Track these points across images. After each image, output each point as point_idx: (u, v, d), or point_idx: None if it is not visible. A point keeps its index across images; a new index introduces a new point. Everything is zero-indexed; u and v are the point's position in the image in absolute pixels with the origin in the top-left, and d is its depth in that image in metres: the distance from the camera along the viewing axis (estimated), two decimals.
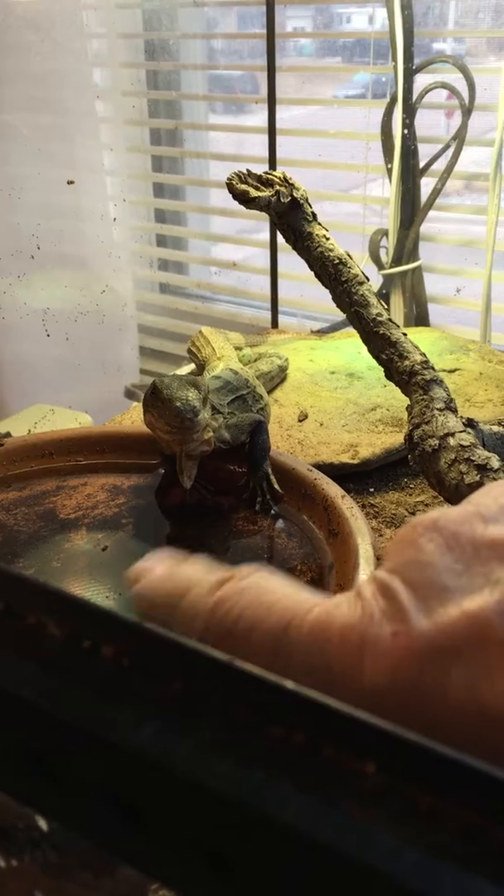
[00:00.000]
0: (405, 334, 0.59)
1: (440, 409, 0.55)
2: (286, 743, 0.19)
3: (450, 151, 1.02)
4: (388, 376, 0.60)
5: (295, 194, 0.63)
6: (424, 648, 0.20)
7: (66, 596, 0.21)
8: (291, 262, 1.10)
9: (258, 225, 1.39)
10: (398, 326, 0.60)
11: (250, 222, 1.41)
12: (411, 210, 1.06)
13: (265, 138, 1.09)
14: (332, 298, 0.63)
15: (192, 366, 0.90)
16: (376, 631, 0.21)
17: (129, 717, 0.19)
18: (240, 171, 0.62)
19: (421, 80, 1.03)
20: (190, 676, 0.20)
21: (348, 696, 0.20)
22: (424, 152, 1.05)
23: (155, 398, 0.55)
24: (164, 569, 0.26)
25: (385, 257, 1.10)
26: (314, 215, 0.64)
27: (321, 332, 1.10)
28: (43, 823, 0.25)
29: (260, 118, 1.24)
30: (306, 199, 0.64)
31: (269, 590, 0.24)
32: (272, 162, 1.09)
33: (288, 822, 0.17)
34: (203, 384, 0.57)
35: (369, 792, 0.18)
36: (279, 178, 0.63)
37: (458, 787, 0.17)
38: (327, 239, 0.63)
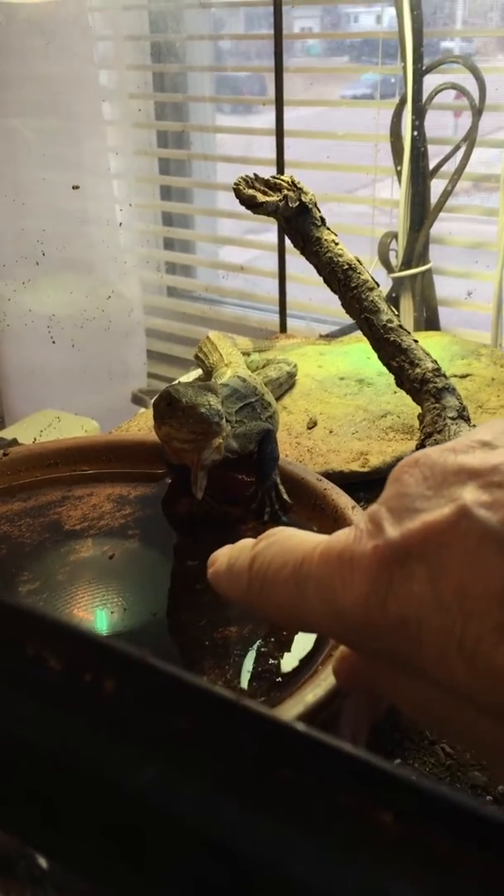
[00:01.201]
0: (416, 341, 0.58)
1: (452, 418, 0.53)
2: (297, 787, 0.18)
3: (459, 152, 1.01)
4: (399, 384, 0.59)
5: (303, 198, 0.62)
6: (393, 554, 0.24)
7: (67, 627, 0.20)
8: (299, 265, 1.09)
9: (264, 226, 1.38)
10: (409, 333, 0.59)
11: (256, 224, 1.40)
12: (421, 212, 1.05)
13: (272, 139, 1.09)
14: (342, 304, 0.62)
15: (199, 371, 0.89)
16: (361, 548, 0.25)
17: (131, 756, 0.18)
18: (247, 176, 0.61)
19: (429, 81, 1.01)
20: (195, 713, 0.19)
21: (346, 605, 0.25)
22: (433, 153, 1.04)
23: (173, 408, 0.53)
24: (226, 551, 0.32)
25: (394, 260, 1.09)
26: (323, 220, 0.63)
27: (330, 336, 1.09)
28: (43, 862, 0.24)
29: (266, 118, 1.24)
30: (314, 204, 0.63)
31: (290, 538, 0.29)
32: (280, 164, 1.08)
33: (300, 874, 0.16)
34: (218, 388, 0.56)
35: (387, 842, 0.17)
36: (287, 182, 0.62)
37: (479, 836, 0.16)
38: (336, 244, 0.62)
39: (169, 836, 0.18)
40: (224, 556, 0.33)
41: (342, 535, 0.26)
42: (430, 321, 1.10)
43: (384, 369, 0.61)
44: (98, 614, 0.50)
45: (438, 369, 0.56)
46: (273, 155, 1.09)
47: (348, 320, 1.07)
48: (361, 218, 1.20)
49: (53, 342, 1.03)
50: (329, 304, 1.22)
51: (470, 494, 0.24)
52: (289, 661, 0.44)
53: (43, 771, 0.19)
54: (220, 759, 0.18)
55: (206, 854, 0.17)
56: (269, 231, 1.38)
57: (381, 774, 0.17)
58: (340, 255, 0.62)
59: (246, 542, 0.32)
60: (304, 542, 0.28)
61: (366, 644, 0.26)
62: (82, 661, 0.20)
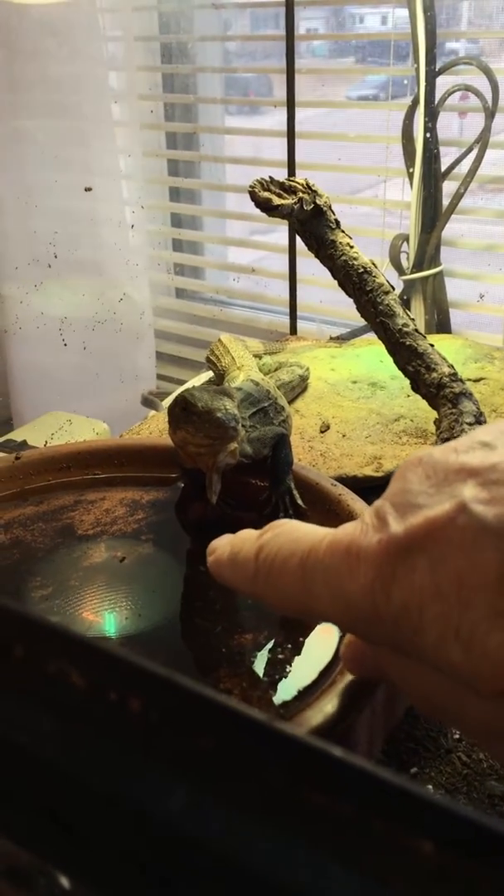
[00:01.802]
0: (432, 345, 0.58)
1: (470, 424, 0.53)
2: (331, 814, 0.17)
3: (472, 154, 1.00)
4: (415, 388, 0.58)
5: (318, 201, 0.61)
6: (397, 547, 0.26)
7: (91, 643, 0.20)
8: (310, 267, 1.09)
9: (269, 227, 1.37)
10: (425, 337, 0.58)
11: (262, 225, 1.40)
12: (433, 214, 1.04)
13: (279, 140, 1.08)
14: (357, 308, 0.62)
15: (210, 373, 0.88)
16: (367, 541, 0.27)
17: (156, 778, 0.18)
18: (262, 179, 0.60)
19: (438, 82, 1.01)
20: (224, 734, 0.18)
21: (353, 595, 0.27)
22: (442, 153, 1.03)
23: (188, 413, 0.53)
24: (227, 541, 0.35)
25: (405, 262, 1.09)
26: (337, 222, 0.63)
27: (340, 339, 1.09)
28: (65, 881, 0.23)
29: (271, 120, 1.23)
30: (329, 206, 0.63)
31: (296, 529, 0.31)
32: (291, 166, 1.07)
33: None
34: (233, 393, 0.56)
35: (427, 873, 0.16)
36: (302, 184, 0.61)
37: None
38: (351, 247, 0.62)
39: (197, 861, 0.17)
40: (225, 545, 0.35)
41: (349, 529, 0.28)
42: (441, 324, 1.09)
43: (397, 372, 0.60)
44: (112, 620, 0.50)
45: (455, 374, 0.56)
46: (280, 156, 1.09)
47: (359, 322, 1.07)
48: (367, 219, 1.20)
49: (65, 344, 1.02)
50: (339, 306, 1.22)
51: (469, 491, 0.25)
52: (306, 670, 0.43)
53: (65, 790, 0.19)
54: (250, 782, 0.18)
55: (236, 881, 0.17)
56: (274, 232, 1.37)
57: (419, 801, 0.17)
58: (355, 259, 0.61)
59: (248, 533, 0.33)
60: (310, 534, 0.29)
61: (371, 632, 0.28)
62: (107, 678, 0.19)
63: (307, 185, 0.62)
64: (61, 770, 0.19)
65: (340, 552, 0.27)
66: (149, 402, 1.04)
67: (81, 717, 0.19)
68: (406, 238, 1.08)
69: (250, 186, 0.60)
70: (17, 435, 1.07)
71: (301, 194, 0.60)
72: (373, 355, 0.88)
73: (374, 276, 0.60)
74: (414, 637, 0.25)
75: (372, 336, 1.00)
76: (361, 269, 0.60)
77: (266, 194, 0.59)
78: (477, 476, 0.26)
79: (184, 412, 0.53)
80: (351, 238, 0.63)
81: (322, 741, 0.18)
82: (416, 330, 0.58)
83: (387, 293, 0.60)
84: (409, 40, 1.02)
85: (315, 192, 0.61)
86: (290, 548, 0.30)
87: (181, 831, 0.17)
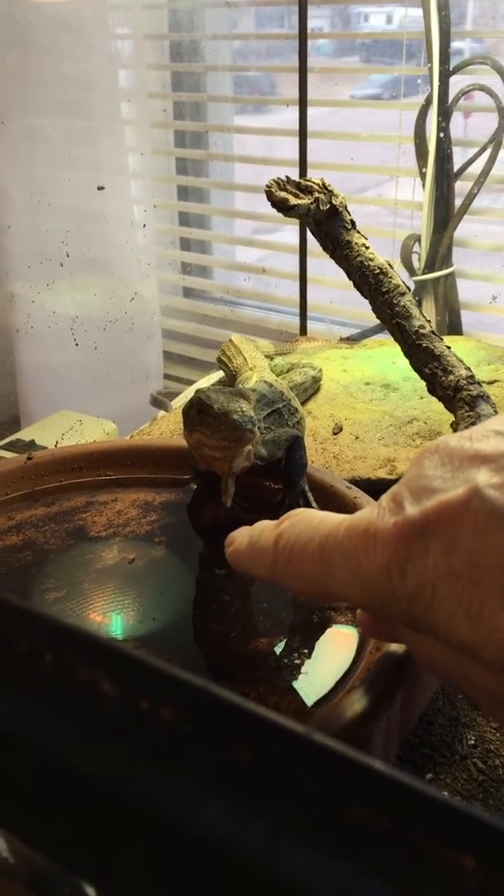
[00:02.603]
0: (449, 347, 0.57)
1: None
2: (372, 829, 0.17)
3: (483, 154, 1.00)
4: (431, 391, 0.58)
5: (334, 202, 0.61)
6: (412, 529, 0.27)
7: (123, 650, 0.19)
8: (320, 267, 1.08)
9: (274, 226, 1.37)
10: (441, 339, 0.58)
11: (266, 224, 1.39)
12: (445, 214, 1.04)
13: (285, 139, 1.08)
14: (372, 309, 0.61)
15: (221, 373, 0.88)
16: (384, 523, 0.28)
17: (189, 791, 0.17)
18: (278, 178, 0.60)
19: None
20: (259, 746, 0.18)
21: (370, 574, 0.28)
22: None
23: (204, 415, 0.52)
24: (245, 531, 0.36)
25: (417, 263, 1.08)
26: (353, 223, 0.62)
27: (351, 339, 1.08)
28: (91, 891, 0.23)
29: (277, 118, 1.22)
30: (345, 207, 0.62)
31: (314, 516, 0.32)
32: (302, 165, 1.07)
33: None
34: (249, 394, 0.55)
35: (468, 889, 0.16)
36: (318, 184, 0.61)
37: None
38: (367, 248, 0.61)
39: (232, 876, 0.17)
40: (244, 535, 0.36)
41: (366, 513, 0.29)
42: (452, 325, 1.09)
43: (410, 374, 0.59)
44: (126, 624, 0.49)
45: (472, 376, 0.55)
46: (288, 155, 1.08)
47: (368, 323, 1.06)
48: (373, 219, 1.19)
49: (77, 344, 1.02)
50: (349, 307, 1.21)
51: (483, 476, 0.26)
52: (324, 676, 0.43)
53: (92, 801, 0.19)
54: (288, 796, 0.17)
55: None
56: (278, 231, 1.37)
57: (462, 815, 0.16)
58: (371, 260, 0.61)
59: (266, 524, 0.35)
60: (328, 520, 0.31)
61: (387, 610, 0.29)
62: (138, 686, 0.19)
63: (323, 184, 0.61)
64: (90, 780, 0.19)
65: (358, 534, 0.29)
66: (158, 402, 1.03)
67: (112, 727, 0.19)
68: (418, 238, 1.07)
69: (266, 186, 0.59)
70: (25, 434, 1.07)
71: (317, 194, 0.60)
72: (385, 356, 0.88)
73: (391, 278, 0.60)
74: (427, 614, 0.27)
75: (383, 337, 1.00)
76: (377, 270, 0.60)
77: (282, 194, 0.59)
78: (490, 462, 0.26)
79: (199, 414, 0.53)
80: (367, 239, 0.62)
81: (363, 755, 0.17)
82: (433, 332, 0.58)
83: (403, 294, 0.59)
84: (419, 39, 1.01)
85: (331, 192, 0.61)
86: (309, 534, 0.31)
87: (214, 844, 0.17)
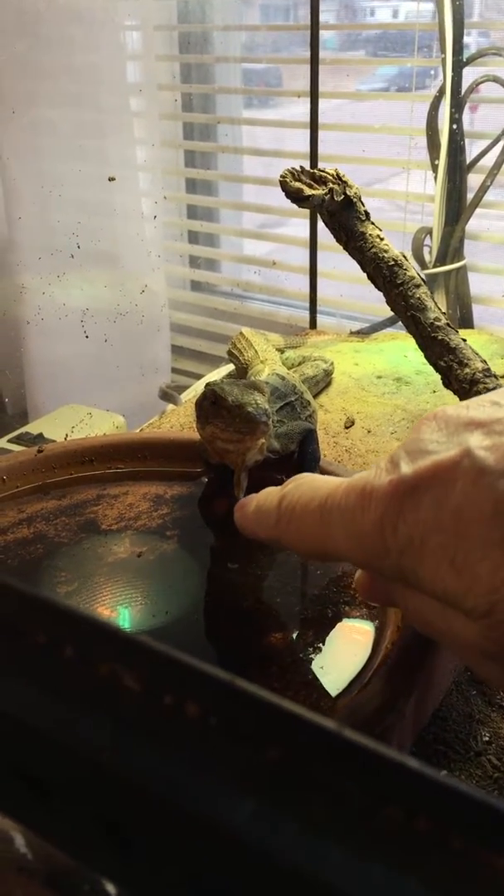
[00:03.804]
0: (464, 340, 0.57)
1: None
2: (408, 830, 0.16)
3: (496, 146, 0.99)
4: (447, 384, 0.57)
5: (348, 192, 0.60)
6: (405, 487, 0.28)
7: (146, 644, 0.19)
8: (329, 260, 1.07)
9: (280, 220, 1.36)
10: (457, 332, 0.57)
11: (272, 217, 1.38)
12: (457, 207, 1.03)
13: (294, 131, 1.07)
14: (387, 301, 0.60)
15: (231, 366, 0.87)
16: (379, 481, 0.29)
17: (215, 789, 0.17)
18: (293, 169, 0.59)
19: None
20: (289, 743, 0.17)
21: (365, 530, 0.30)
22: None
23: (218, 407, 0.52)
24: (252, 497, 0.39)
25: (429, 256, 1.07)
26: (367, 214, 0.62)
27: (361, 333, 1.08)
28: (112, 888, 0.22)
29: (285, 111, 1.21)
30: (359, 198, 0.61)
31: (316, 479, 0.34)
32: (313, 157, 1.06)
33: None
34: (263, 387, 0.54)
35: None
36: (332, 175, 0.60)
37: None
38: (381, 239, 0.61)
39: (260, 874, 0.16)
40: (252, 501, 0.39)
41: (365, 473, 0.31)
42: (463, 319, 1.08)
43: (422, 367, 0.59)
44: (138, 617, 0.49)
45: (488, 370, 0.55)
46: (297, 147, 1.07)
47: (380, 316, 1.06)
48: (380, 213, 1.18)
49: (87, 336, 1.01)
50: (359, 300, 1.20)
51: (475, 440, 0.28)
52: (339, 671, 0.43)
53: (117, 798, 0.18)
54: (319, 795, 0.17)
55: None
56: (285, 225, 1.36)
57: (498, 815, 0.16)
58: (386, 251, 0.60)
59: (272, 489, 0.37)
60: (329, 482, 0.33)
61: (380, 565, 0.30)
62: (162, 681, 0.18)
63: (337, 175, 0.61)
64: (113, 776, 0.18)
65: (356, 493, 0.30)
66: (167, 395, 1.03)
67: (135, 722, 0.18)
68: (429, 231, 1.06)
69: (281, 176, 0.59)
70: (33, 427, 1.06)
71: (331, 185, 0.59)
72: (397, 350, 0.87)
73: (405, 270, 0.59)
74: (415, 566, 0.28)
75: (394, 330, 0.99)
76: (392, 262, 0.59)
77: (297, 184, 0.58)
78: (483, 427, 0.28)
79: (213, 406, 0.52)
80: (381, 230, 0.61)
81: (398, 753, 0.17)
82: (448, 324, 0.57)
83: (418, 286, 0.58)
84: (431, 31, 1.00)
85: (345, 182, 0.60)
86: (311, 494, 0.33)
87: (244, 843, 0.16)
